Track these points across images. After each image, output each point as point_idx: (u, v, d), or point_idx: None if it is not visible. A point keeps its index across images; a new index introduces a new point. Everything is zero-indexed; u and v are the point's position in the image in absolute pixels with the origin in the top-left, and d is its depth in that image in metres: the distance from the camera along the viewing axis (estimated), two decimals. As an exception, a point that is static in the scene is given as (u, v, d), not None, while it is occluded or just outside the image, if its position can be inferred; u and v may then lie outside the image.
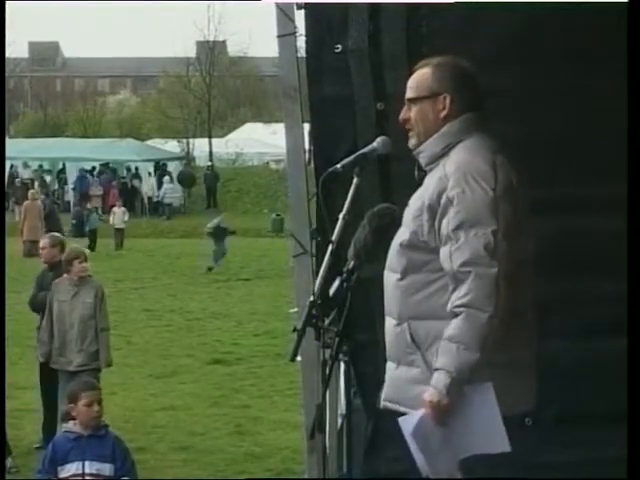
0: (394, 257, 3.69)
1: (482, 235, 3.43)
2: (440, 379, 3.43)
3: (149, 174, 39.21)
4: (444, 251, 3.50)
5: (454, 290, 3.47)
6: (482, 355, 3.39)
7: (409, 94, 3.74)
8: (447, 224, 3.49)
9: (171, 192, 38.43)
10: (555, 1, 4.47)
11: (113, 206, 30.27)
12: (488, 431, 3.48)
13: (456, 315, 3.43)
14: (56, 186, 39.30)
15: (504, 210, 3.48)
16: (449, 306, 3.46)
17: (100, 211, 37.26)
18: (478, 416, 3.46)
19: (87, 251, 8.55)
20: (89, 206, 30.65)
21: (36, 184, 37.49)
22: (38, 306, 8.51)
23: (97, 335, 8.09)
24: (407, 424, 3.52)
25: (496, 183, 3.50)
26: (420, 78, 3.72)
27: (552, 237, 4.46)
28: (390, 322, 3.73)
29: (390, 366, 3.75)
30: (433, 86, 3.69)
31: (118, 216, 28.07)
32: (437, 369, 3.45)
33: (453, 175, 3.53)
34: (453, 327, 3.42)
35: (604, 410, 4.84)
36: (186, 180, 40.75)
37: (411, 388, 3.62)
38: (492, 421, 3.46)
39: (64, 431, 5.70)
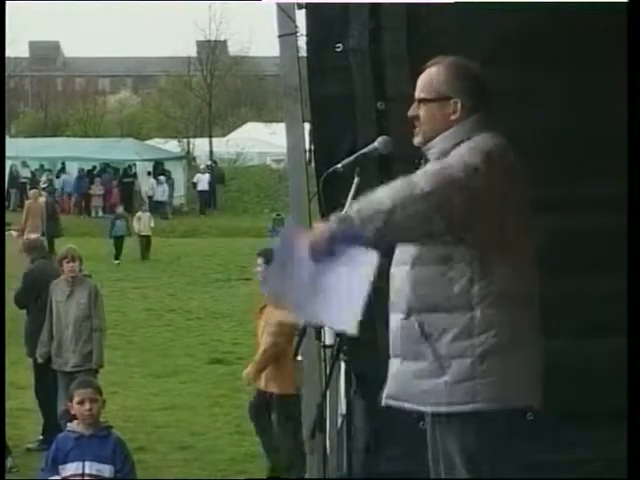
0: (403, 250, 3.69)
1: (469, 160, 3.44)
2: (341, 217, 3.44)
3: (148, 173, 39.17)
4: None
5: None
6: (385, 234, 3.39)
7: (419, 93, 3.74)
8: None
9: (165, 192, 38.15)
10: (555, 1, 4.47)
11: (115, 207, 29.50)
12: (344, 304, 3.49)
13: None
14: (56, 186, 39.26)
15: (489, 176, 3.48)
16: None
17: (101, 211, 37.35)
18: (345, 284, 3.48)
19: (75, 250, 8.51)
20: (118, 210, 26.57)
21: (41, 182, 37.52)
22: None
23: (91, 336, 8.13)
24: (289, 233, 3.57)
25: (501, 158, 3.55)
26: (430, 79, 3.72)
27: (552, 237, 4.46)
28: (396, 317, 3.71)
29: (394, 362, 3.73)
30: (443, 89, 3.69)
31: (144, 221, 25.21)
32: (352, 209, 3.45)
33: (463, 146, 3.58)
34: (393, 185, 3.42)
35: (604, 410, 4.84)
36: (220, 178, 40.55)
37: (417, 382, 3.61)
38: (353, 298, 3.47)
39: (67, 430, 5.72)
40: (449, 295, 3.56)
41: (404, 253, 3.68)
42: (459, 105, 3.67)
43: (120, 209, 26.80)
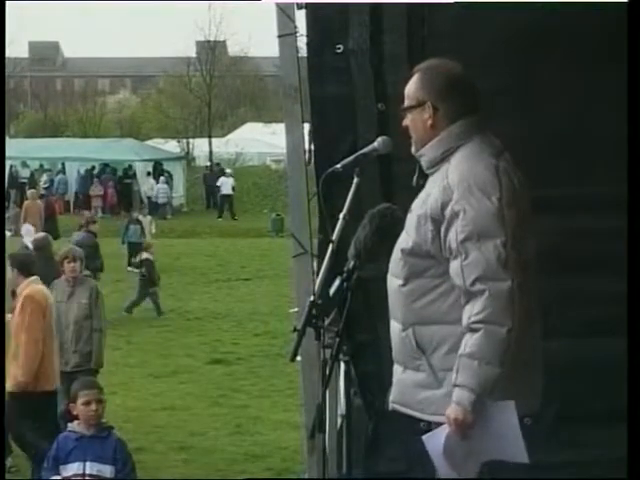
0: (396, 263, 3.69)
1: (492, 247, 3.41)
2: (464, 396, 3.40)
3: (147, 174, 39.13)
4: (454, 265, 3.48)
5: (467, 303, 3.45)
6: (503, 369, 3.39)
7: (405, 103, 3.76)
8: (455, 237, 3.46)
9: (163, 192, 37.97)
10: (555, 1, 4.47)
11: (113, 207, 28.84)
12: (508, 443, 3.48)
13: (472, 330, 3.40)
14: (55, 186, 39.23)
15: (510, 218, 3.46)
16: (464, 321, 3.43)
17: (100, 211, 37.30)
18: (499, 430, 3.46)
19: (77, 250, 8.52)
20: (135, 215, 23.54)
21: (41, 182, 37.50)
22: None
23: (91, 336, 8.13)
24: (434, 443, 3.52)
25: (501, 192, 3.48)
26: (409, 86, 3.74)
27: (552, 237, 4.46)
28: (395, 326, 3.73)
29: (397, 369, 3.76)
30: (418, 95, 3.69)
31: (144, 226, 22.52)
32: (458, 386, 3.42)
33: (457, 186, 3.50)
34: (472, 343, 3.39)
35: (604, 410, 4.85)
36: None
37: (417, 392, 3.64)
38: (512, 436, 3.46)
39: (68, 430, 5.72)
40: (442, 308, 3.57)
41: (396, 266, 3.69)
42: (432, 109, 3.65)
43: (135, 213, 24.27)
